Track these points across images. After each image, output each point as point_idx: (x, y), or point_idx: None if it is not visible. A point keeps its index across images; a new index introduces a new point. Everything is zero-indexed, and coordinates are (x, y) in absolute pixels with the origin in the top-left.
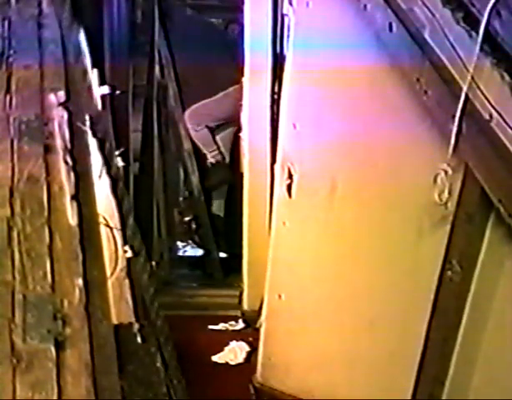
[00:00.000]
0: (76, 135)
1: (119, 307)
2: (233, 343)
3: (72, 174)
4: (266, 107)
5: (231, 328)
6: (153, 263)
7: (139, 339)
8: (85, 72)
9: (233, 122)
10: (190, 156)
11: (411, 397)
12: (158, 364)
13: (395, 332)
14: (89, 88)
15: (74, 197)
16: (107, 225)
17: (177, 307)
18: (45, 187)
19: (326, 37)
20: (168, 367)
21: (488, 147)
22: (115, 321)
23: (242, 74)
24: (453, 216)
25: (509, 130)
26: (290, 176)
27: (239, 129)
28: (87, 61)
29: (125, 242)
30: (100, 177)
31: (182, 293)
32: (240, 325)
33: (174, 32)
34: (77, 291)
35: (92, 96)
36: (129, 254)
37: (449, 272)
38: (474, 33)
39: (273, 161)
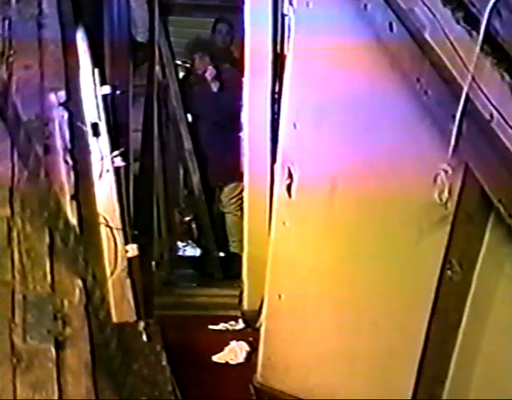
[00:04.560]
0: (76, 135)
1: (121, 306)
2: (233, 343)
3: (72, 174)
4: (266, 107)
5: (231, 328)
6: (153, 263)
7: (145, 338)
8: None
9: None
10: (191, 155)
11: (411, 397)
12: (164, 363)
13: (395, 332)
14: None
15: (74, 197)
16: (108, 225)
17: (177, 307)
18: (45, 187)
19: (326, 37)
20: None
21: (488, 147)
22: (116, 321)
23: None
24: (453, 216)
25: (509, 130)
26: (290, 176)
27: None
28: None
29: (126, 242)
30: (100, 177)
31: (182, 293)
32: (240, 325)
33: None
34: (77, 291)
35: None
36: (131, 254)
37: (449, 272)
38: (474, 33)
39: (273, 161)
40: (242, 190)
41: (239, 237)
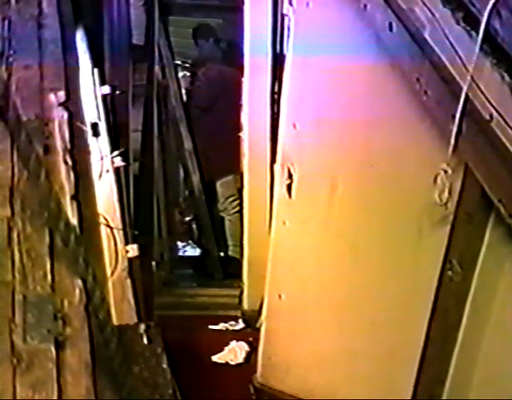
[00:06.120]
0: (76, 135)
1: (121, 307)
2: (233, 343)
3: (72, 174)
4: (266, 107)
5: (231, 328)
6: (154, 263)
7: (145, 340)
8: None
9: None
10: (191, 155)
11: (411, 397)
12: (165, 365)
13: (395, 332)
14: None
15: (74, 197)
16: (108, 225)
17: (177, 308)
18: (45, 187)
19: (326, 37)
20: None
21: (488, 147)
22: (117, 321)
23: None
24: (453, 216)
25: (509, 130)
26: (290, 176)
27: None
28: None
29: (126, 242)
30: (100, 177)
31: (182, 293)
32: (240, 325)
33: None
34: (77, 291)
35: None
36: (131, 254)
37: (449, 272)
38: (474, 33)
39: (273, 161)
40: (234, 194)
41: (236, 241)
